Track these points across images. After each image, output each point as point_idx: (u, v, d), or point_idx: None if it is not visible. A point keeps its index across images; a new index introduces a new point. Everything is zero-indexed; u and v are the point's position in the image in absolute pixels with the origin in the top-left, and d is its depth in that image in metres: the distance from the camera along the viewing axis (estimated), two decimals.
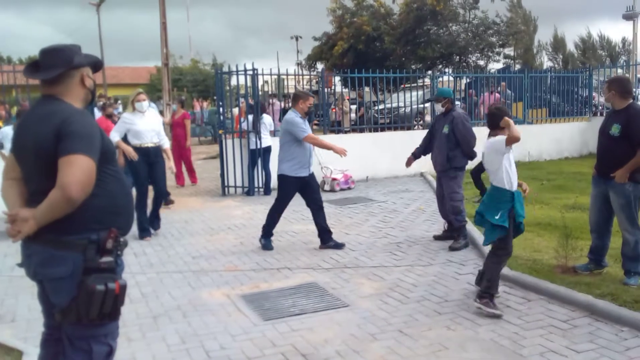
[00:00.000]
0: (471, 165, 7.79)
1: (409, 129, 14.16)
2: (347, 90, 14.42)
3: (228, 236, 7.77)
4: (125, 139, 7.54)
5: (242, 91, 12.00)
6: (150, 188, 7.72)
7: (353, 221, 8.50)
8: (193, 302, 5.24)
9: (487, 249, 5.61)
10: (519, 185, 4.94)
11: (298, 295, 5.33)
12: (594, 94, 16.52)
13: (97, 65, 2.96)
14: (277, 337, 4.39)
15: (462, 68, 25.94)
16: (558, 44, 42.43)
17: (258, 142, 10.86)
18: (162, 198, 7.83)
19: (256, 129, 10.83)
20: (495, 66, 27.74)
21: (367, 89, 16.29)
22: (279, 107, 14.81)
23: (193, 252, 6.98)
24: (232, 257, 6.73)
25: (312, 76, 16.97)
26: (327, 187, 11.12)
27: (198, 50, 60.03)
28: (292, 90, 17.12)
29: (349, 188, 11.47)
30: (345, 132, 13.76)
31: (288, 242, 7.31)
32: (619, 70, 17.57)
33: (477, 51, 27.34)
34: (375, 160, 12.23)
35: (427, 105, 14.31)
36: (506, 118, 4.76)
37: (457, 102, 14.67)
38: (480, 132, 8.17)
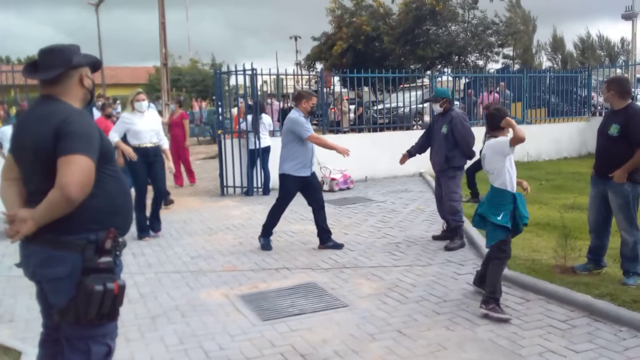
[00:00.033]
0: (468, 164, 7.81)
1: (408, 129, 14.16)
2: (345, 90, 14.39)
3: (227, 236, 7.76)
4: (124, 139, 7.53)
5: (241, 91, 12.00)
6: (150, 189, 7.70)
7: (352, 221, 8.50)
8: (191, 302, 5.23)
9: (486, 249, 5.63)
10: (519, 184, 4.92)
11: (297, 296, 5.32)
12: (592, 94, 16.54)
13: (96, 65, 2.96)
14: (276, 338, 4.39)
15: (461, 68, 25.94)
16: (557, 44, 42.46)
17: (257, 142, 10.85)
18: (162, 198, 7.82)
19: (255, 129, 10.82)
20: (494, 66, 27.78)
21: (366, 89, 16.28)
22: (278, 107, 14.80)
23: (192, 252, 6.97)
24: (230, 257, 6.72)
25: (311, 76, 16.95)
26: (326, 187, 11.11)
27: (197, 50, 60.01)
28: (291, 91, 17.18)
29: (348, 188, 11.47)
30: (344, 132, 13.75)
31: (287, 242, 7.30)
32: (618, 70, 17.57)
33: (476, 51, 27.34)
34: (374, 160, 12.23)
35: (426, 105, 14.31)
36: (508, 118, 4.73)
37: (456, 102, 14.74)
38: (479, 132, 8.19)
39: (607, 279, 5.34)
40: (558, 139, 15.03)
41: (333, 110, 14.93)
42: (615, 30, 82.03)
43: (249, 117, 10.97)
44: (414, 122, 15.32)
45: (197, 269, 6.27)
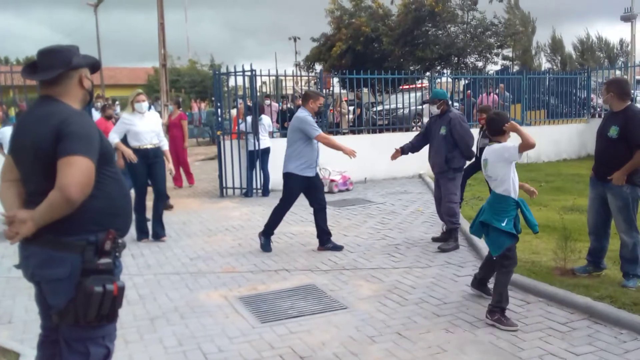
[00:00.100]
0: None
1: (407, 130, 14.15)
2: (344, 91, 14.39)
3: (226, 237, 7.75)
4: (124, 140, 7.49)
5: (240, 92, 11.99)
6: (150, 190, 7.66)
7: (351, 223, 8.49)
8: (190, 304, 5.22)
9: (486, 250, 5.61)
10: (522, 187, 4.83)
11: (296, 297, 5.31)
12: (592, 95, 16.55)
13: (95, 66, 2.96)
14: (275, 340, 4.38)
15: (460, 69, 25.94)
16: (556, 46, 42.48)
17: (256, 143, 10.84)
18: (163, 200, 7.74)
19: (255, 130, 10.81)
20: (493, 68, 27.73)
21: (365, 90, 16.28)
22: (277, 109, 14.78)
23: (191, 253, 6.96)
24: (229, 258, 6.71)
25: (310, 77, 16.95)
26: (325, 189, 11.06)
27: (196, 51, 59.98)
28: (290, 92, 17.17)
29: (347, 189, 11.46)
30: (344, 133, 13.74)
31: (286, 244, 7.29)
32: (617, 72, 17.59)
33: (476, 52, 27.33)
34: (373, 161, 12.22)
35: (425, 106, 14.31)
36: (513, 123, 4.61)
37: (455, 104, 14.73)
38: (477, 134, 8.19)
39: (607, 281, 5.34)
40: (557, 140, 15.03)
41: (332, 111, 14.93)
42: (614, 32, 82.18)
43: (249, 118, 10.96)
44: (413, 124, 15.31)
45: (196, 271, 6.25)
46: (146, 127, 7.41)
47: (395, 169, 12.64)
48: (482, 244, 6.17)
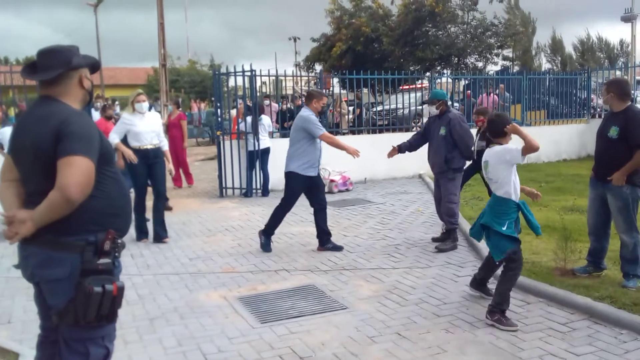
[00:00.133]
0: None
1: (407, 130, 14.14)
2: (344, 91, 14.39)
3: (225, 238, 7.74)
4: (124, 140, 7.46)
5: (240, 92, 11.98)
6: (150, 191, 7.64)
7: (351, 223, 8.48)
8: (190, 304, 5.22)
9: (486, 250, 5.61)
10: (522, 190, 4.77)
11: (296, 298, 5.30)
12: (592, 96, 16.54)
13: (95, 66, 2.96)
14: (275, 340, 4.37)
15: (461, 70, 25.94)
16: (556, 46, 42.50)
17: (256, 143, 10.83)
18: (162, 201, 7.68)
19: (254, 130, 10.80)
20: (493, 68, 27.74)
21: (365, 90, 16.28)
22: (277, 109, 14.77)
23: (190, 253, 6.95)
24: (229, 258, 6.70)
25: (310, 77, 16.94)
26: (325, 189, 11.08)
27: (196, 51, 59.95)
28: (290, 92, 17.17)
29: (347, 190, 11.46)
30: (343, 133, 13.74)
31: (286, 244, 7.28)
32: (618, 72, 17.59)
33: (476, 53, 27.32)
34: (373, 161, 12.19)
35: (425, 106, 14.30)
36: (515, 125, 4.55)
37: (455, 104, 14.73)
38: (475, 135, 8.17)
39: (607, 281, 5.33)
40: (557, 140, 15.02)
41: (331, 112, 14.93)
42: (614, 32, 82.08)
43: (248, 118, 10.95)
44: (413, 124, 15.31)
45: (196, 271, 6.25)
46: (146, 127, 7.38)
47: (395, 169, 12.64)
48: (482, 244, 6.16)
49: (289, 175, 6.80)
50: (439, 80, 15.28)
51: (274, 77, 12.44)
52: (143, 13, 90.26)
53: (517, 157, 4.51)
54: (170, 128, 12.08)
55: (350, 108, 15.59)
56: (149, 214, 7.63)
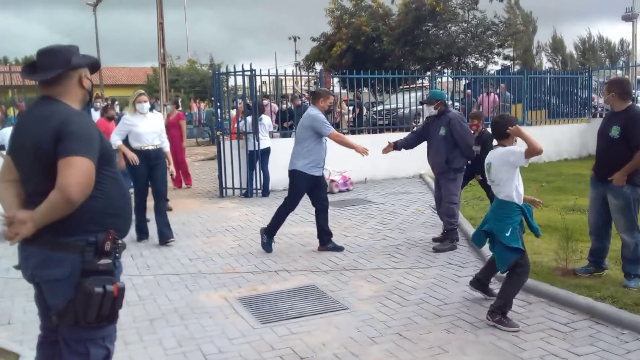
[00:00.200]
0: None
1: (407, 130, 14.12)
2: (344, 91, 14.38)
3: (226, 238, 7.73)
4: (125, 140, 7.42)
5: (240, 92, 11.97)
6: (149, 192, 7.61)
7: (352, 223, 8.47)
8: (190, 304, 5.20)
9: (487, 250, 5.60)
10: (530, 201, 4.72)
11: (296, 298, 5.29)
12: (593, 95, 16.52)
13: (94, 66, 2.95)
14: (276, 341, 4.36)
15: (461, 69, 25.92)
16: (557, 45, 42.51)
17: (256, 143, 10.81)
18: (163, 202, 7.62)
19: (255, 130, 10.78)
20: (494, 68, 27.72)
21: (365, 90, 16.26)
22: (277, 109, 14.74)
23: (190, 254, 6.94)
24: (229, 259, 6.69)
25: (310, 77, 16.92)
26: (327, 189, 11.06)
27: (195, 50, 59.94)
28: (290, 91, 17.15)
29: (348, 190, 11.44)
30: (343, 133, 13.69)
31: (286, 245, 7.27)
32: (619, 72, 17.57)
33: (476, 52, 27.32)
34: (373, 161, 12.14)
35: (425, 106, 14.27)
36: (518, 127, 4.47)
37: (456, 103, 14.71)
38: None
39: (608, 281, 5.32)
40: (558, 140, 15.00)
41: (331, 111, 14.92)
42: (615, 31, 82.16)
43: (248, 118, 10.93)
44: (413, 124, 15.29)
45: (196, 271, 6.24)
46: (148, 128, 7.34)
47: (396, 169, 12.63)
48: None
49: (294, 174, 6.77)
50: (439, 80, 15.25)
51: (274, 77, 12.41)
52: (142, 13, 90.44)
53: (520, 160, 4.47)
54: (169, 128, 12.03)
55: (350, 108, 15.57)
56: (149, 215, 7.62)
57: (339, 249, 6.87)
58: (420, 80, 17.53)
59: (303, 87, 17.99)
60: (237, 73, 11.20)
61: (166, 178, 7.58)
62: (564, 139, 15.22)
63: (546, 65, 40.88)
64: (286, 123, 13.81)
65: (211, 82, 15.92)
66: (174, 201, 10.27)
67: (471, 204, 9.26)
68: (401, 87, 15.93)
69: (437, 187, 7.21)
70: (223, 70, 12.02)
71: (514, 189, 4.54)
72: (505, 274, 4.70)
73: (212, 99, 18.27)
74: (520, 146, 4.52)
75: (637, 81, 15.68)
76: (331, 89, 14.24)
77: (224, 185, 11.18)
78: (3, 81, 10.48)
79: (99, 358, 2.79)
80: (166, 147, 7.63)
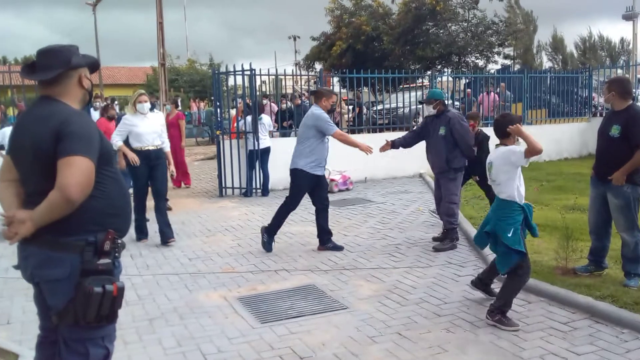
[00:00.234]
0: None
1: (407, 129, 14.12)
2: (344, 91, 14.37)
3: (225, 238, 7.73)
4: (125, 140, 7.40)
5: (240, 92, 11.97)
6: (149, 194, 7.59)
7: (351, 222, 8.47)
8: (190, 304, 5.20)
9: (487, 250, 5.59)
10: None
11: (296, 298, 5.29)
12: (593, 94, 16.50)
13: (94, 65, 2.95)
14: (275, 340, 4.36)
15: (461, 68, 25.91)
16: (557, 44, 42.51)
17: (256, 143, 10.80)
18: (163, 202, 7.61)
19: (254, 129, 10.77)
20: (494, 67, 27.71)
21: (365, 89, 16.25)
22: (277, 109, 14.74)
23: (190, 254, 6.94)
24: (229, 258, 6.69)
25: (310, 76, 16.91)
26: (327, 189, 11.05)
27: (195, 50, 59.98)
28: (290, 91, 17.14)
29: (347, 189, 11.44)
30: None
31: (286, 244, 7.27)
32: (619, 71, 17.55)
33: (476, 52, 27.31)
34: (373, 161, 12.17)
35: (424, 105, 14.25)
36: (518, 126, 4.45)
37: (456, 103, 14.69)
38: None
39: (608, 280, 5.32)
40: (559, 139, 14.98)
41: None
42: (616, 31, 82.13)
43: (248, 118, 10.93)
44: (413, 123, 15.28)
45: (196, 271, 6.23)
46: (148, 128, 7.31)
47: (396, 169, 12.63)
48: None
49: (296, 173, 6.75)
50: (439, 79, 15.24)
51: (273, 77, 12.40)
52: (142, 12, 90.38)
53: (520, 159, 4.45)
54: (169, 128, 12.00)
55: (350, 107, 15.56)
56: (148, 215, 7.61)
57: (338, 248, 6.86)
58: (420, 80, 17.52)
59: (303, 87, 17.97)
60: (236, 72, 11.18)
61: (166, 178, 7.56)
62: (564, 138, 15.21)
63: (546, 64, 40.92)
64: (286, 123, 13.81)
65: (211, 82, 15.92)
66: (174, 201, 10.26)
67: (471, 203, 9.25)
68: (401, 86, 15.92)
69: (437, 186, 7.21)
70: (223, 69, 12.01)
71: (516, 189, 4.51)
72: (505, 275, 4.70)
73: (212, 98, 18.27)
74: (522, 146, 4.50)
75: (638, 80, 15.67)
76: (331, 88, 14.24)
77: (223, 185, 11.17)
78: (2, 81, 10.48)
79: (98, 358, 2.79)
80: (167, 147, 7.61)
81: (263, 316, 4.84)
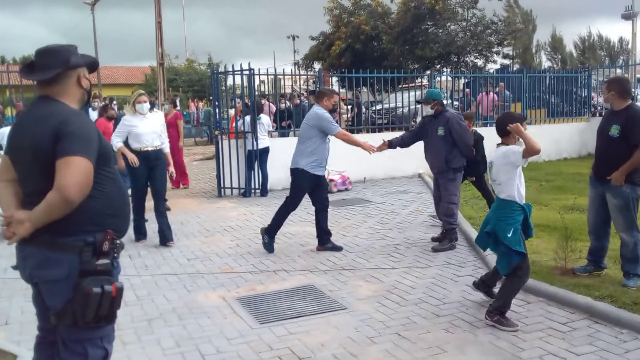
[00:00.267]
0: None
1: (406, 129, 14.12)
2: (343, 90, 14.35)
3: (224, 238, 7.72)
4: (124, 140, 7.38)
5: (239, 91, 11.96)
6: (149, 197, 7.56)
7: (350, 223, 8.46)
8: (188, 304, 5.20)
9: (486, 250, 5.59)
10: None
11: (295, 298, 5.28)
12: (593, 94, 16.50)
13: (93, 65, 2.95)
14: (274, 341, 4.36)
15: (460, 68, 25.90)
16: (557, 44, 42.55)
17: (255, 143, 10.79)
18: (162, 203, 7.58)
19: (253, 129, 10.76)
20: (493, 67, 27.70)
21: (364, 89, 16.23)
22: (275, 109, 14.72)
23: (188, 254, 6.93)
24: (228, 259, 6.68)
25: (309, 76, 16.90)
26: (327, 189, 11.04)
27: (194, 50, 59.94)
28: (288, 90, 17.11)
29: (346, 189, 11.43)
30: None
31: (285, 244, 7.26)
32: (618, 71, 17.55)
33: (475, 51, 27.29)
34: (372, 161, 12.17)
35: (420, 106, 14.25)
36: (517, 125, 4.42)
37: (455, 103, 14.69)
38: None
39: (607, 280, 5.32)
40: (558, 139, 14.98)
41: None
42: (615, 30, 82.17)
43: (247, 118, 10.91)
44: (412, 123, 15.28)
45: (194, 271, 6.23)
46: (147, 128, 7.28)
47: (395, 169, 12.62)
48: None
49: (296, 172, 6.73)
50: (438, 79, 15.24)
51: (272, 76, 12.39)
52: (140, 12, 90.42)
53: (519, 159, 4.44)
54: (167, 128, 12.00)
55: (348, 107, 15.55)
56: (147, 215, 7.59)
57: (337, 248, 6.86)
58: (419, 79, 17.50)
59: (302, 87, 17.95)
60: (235, 72, 11.17)
61: (166, 178, 7.55)
62: (564, 138, 15.21)
63: (545, 64, 41.01)
64: (284, 122, 13.80)
65: (209, 82, 15.90)
66: (172, 201, 10.25)
67: (470, 203, 9.25)
68: (400, 86, 15.91)
69: (436, 186, 7.20)
70: (221, 69, 12.00)
71: (516, 189, 4.50)
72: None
73: (211, 98, 18.25)
74: (522, 146, 4.48)
75: (637, 80, 15.68)
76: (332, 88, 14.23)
77: (222, 185, 11.16)
78: (1, 81, 10.45)
79: (97, 358, 2.79)
80: (166, 147, 7.59)
81: (262, 317, 4.83)
